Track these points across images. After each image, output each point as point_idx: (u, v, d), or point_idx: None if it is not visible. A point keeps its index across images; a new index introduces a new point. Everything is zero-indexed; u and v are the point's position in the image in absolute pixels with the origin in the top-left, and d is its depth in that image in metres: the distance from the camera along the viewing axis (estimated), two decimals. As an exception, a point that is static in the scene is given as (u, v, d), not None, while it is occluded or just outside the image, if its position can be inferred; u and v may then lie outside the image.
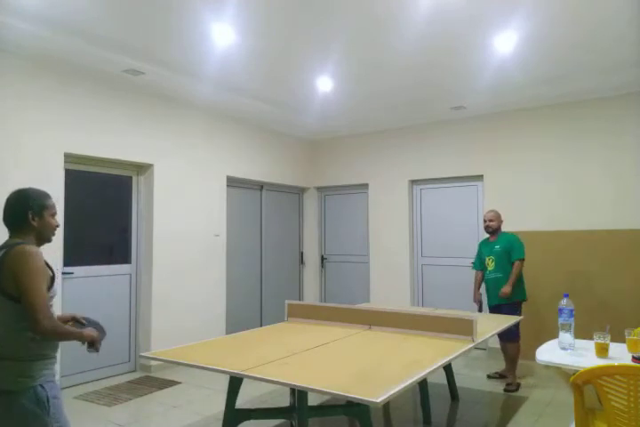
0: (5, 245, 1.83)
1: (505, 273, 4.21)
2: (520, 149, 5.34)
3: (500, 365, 4.63)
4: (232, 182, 5.74)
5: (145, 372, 4.63)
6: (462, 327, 2.89)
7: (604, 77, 4.42)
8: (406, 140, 6.13)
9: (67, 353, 3.90)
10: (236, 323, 5.56)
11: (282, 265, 6.60)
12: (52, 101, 3.97)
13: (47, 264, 1.84)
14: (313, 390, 1.98)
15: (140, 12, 3.17)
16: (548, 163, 5.17)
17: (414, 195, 6.16)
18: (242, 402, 3.60)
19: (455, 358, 2.53)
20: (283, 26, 3.40)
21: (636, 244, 4.65)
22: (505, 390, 4.09)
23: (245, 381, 2.71)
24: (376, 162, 6.37)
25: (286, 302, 3.66)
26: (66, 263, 4.13)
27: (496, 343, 4.62)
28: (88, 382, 4.29)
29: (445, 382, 3.92)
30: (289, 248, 6.76)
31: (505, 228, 4.52)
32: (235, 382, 2.90)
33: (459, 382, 4.14)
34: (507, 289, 4.12)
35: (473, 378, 4.48)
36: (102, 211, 4.57)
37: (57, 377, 1.92)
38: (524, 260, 4.23)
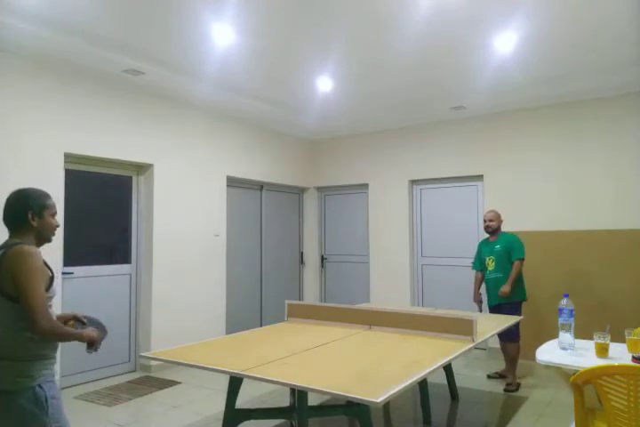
0: (4, 245, 1.83)
1: (505, 273, 4.21)
2: (520, 149, 5.34)
3: (499, 365, 4.63)
4: (232, 182, 5.74)
5: (145, 372, 4.63)
6: (462, 327, 2.89)
7: (604, 77, 4.42)
8: (406, 140, 6.13)
9: (67, 353, 3.91)
10: (235, 323, 5.56)
11: (282, 265, 6.60)
12: (52, 101, 3.97)
13: (46, 264, 1.84)
14: (313, 390, 1.98)
15: (139, 12, 3.17)
16: (548, 163, 5.17)
17: (414, 195, 6.16)
18: (242, 402, 3.60)
19: (455, 358, 2.53)
20: (283, 26, 3.40)
21: (636, 244, 4.65)
22: (505, 390, 4.09)
23: (245, 381, 2.71)
24: (376, 162, 6.37)
25: (286, 302, 3.66)
26: (66, 263, 4.13)
27: (496, 343, 4.62)
28: (88, 382, 4.29)
29: (445, 382, 3.92)
30: (289, 248, 6.76)
31: (505, 228, 4.52)
32: (235, 382, 2.90)
33: (459, 382, 4.14)
34: (506, 288, 4.12)
35: (473, 378, 4.48)
36: (102, 211, 4.57)
37: (57, 377, 1.92)
38: (523, 259, 4.23)
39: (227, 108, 5.34)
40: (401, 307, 3.99)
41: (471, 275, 4.69)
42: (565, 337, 2.63)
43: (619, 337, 2.60)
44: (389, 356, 2.54)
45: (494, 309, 4.30)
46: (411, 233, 6.09)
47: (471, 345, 2.77)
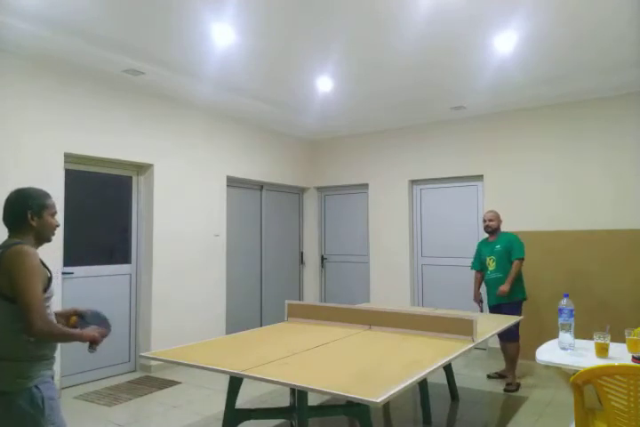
0: (3, 245, 1.82)
1: (506, 273, 4.21)
2: (520, 149, 5.34)
3: (500, 365, 4.63)
4: (232, 182, 5.74)
5: (145, 372, 4.63)
6: (462, 327, 2.89)
7: (604, 77, 4.42)
8: (406, 140, 6.13)
9: (67, 353, 3.91)
10: (235, 323, 5.56)
11: (282, 265, 6.60)
12: (52, 101, 3.97)
13: (44, 265, 1.83)
14: (313, 390, 1.98)
15: (139, 12, 3.17)
16: (548, 163, 5.17)
17: (414, 195, 6.16)
18: (242, 402, 3.59)
19: (455, 358, 2.53)
20: (283, 26, 3.40)
21: (636, 244, 4.65)
22: (505, 390, 4.09)
23: (245, 381, 2.71)
24: (376, 162, 6.37)
25: (286, 302, 3.66)
26: (66, 263, 4.13)
27: (496, 343, 4.62)
28: (88, 382, 4.29)
29: (445, 382, 3.92)
30: (289, 248, 6.76)
31: (505, 228, 4.52)
32: (235, 382, 2.90)
33: (459, 382, 4.14)
34: (505, 287, 4.12)
35: (473, 378, 4.48)
36: (102, 211, 4.57)
37: (57, 377, 1.92)
38: (523, 259, 4.23)
39: (227, 108, 5.34)
40: (401, 307, 3.99)
41: (471, 275, 4.69)
42: (565, 337, 2.63)
43: (619, 337, 2.60)
44: (389, 356, 2.55)
45: (494, 309, 4.31)
46: (411, 233, 6.09)
47: (471, 345, 2.77)
